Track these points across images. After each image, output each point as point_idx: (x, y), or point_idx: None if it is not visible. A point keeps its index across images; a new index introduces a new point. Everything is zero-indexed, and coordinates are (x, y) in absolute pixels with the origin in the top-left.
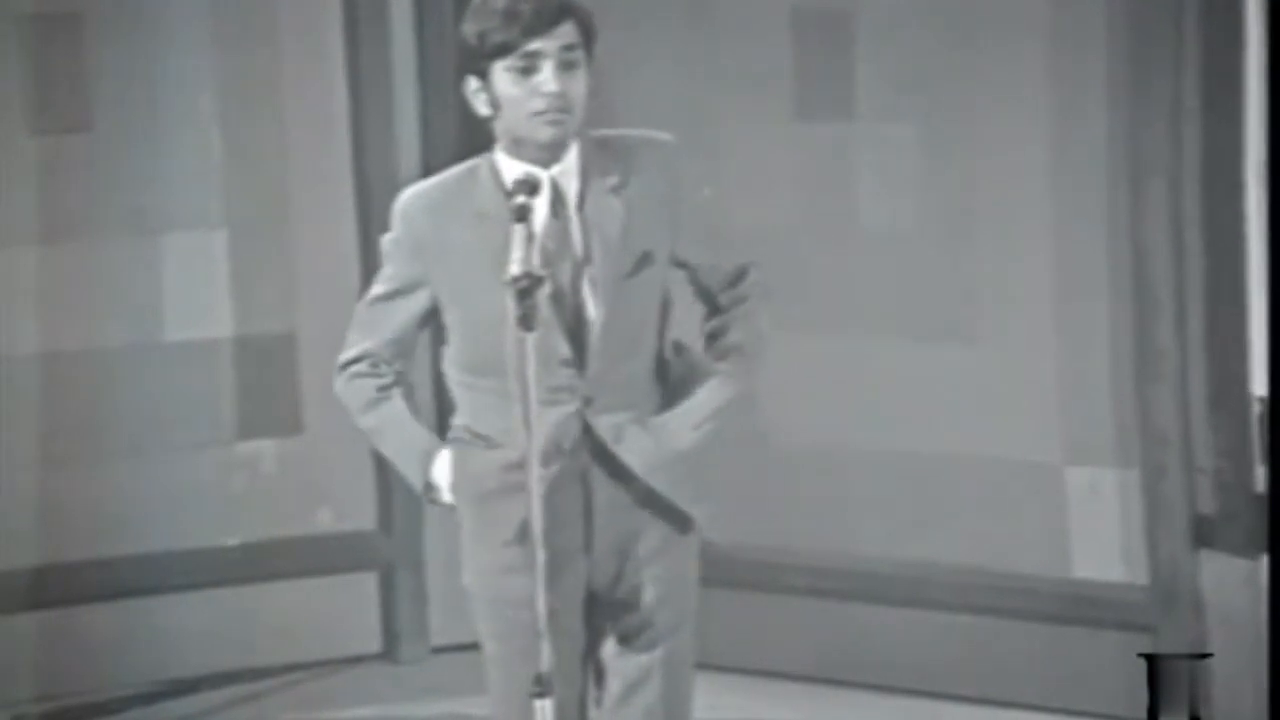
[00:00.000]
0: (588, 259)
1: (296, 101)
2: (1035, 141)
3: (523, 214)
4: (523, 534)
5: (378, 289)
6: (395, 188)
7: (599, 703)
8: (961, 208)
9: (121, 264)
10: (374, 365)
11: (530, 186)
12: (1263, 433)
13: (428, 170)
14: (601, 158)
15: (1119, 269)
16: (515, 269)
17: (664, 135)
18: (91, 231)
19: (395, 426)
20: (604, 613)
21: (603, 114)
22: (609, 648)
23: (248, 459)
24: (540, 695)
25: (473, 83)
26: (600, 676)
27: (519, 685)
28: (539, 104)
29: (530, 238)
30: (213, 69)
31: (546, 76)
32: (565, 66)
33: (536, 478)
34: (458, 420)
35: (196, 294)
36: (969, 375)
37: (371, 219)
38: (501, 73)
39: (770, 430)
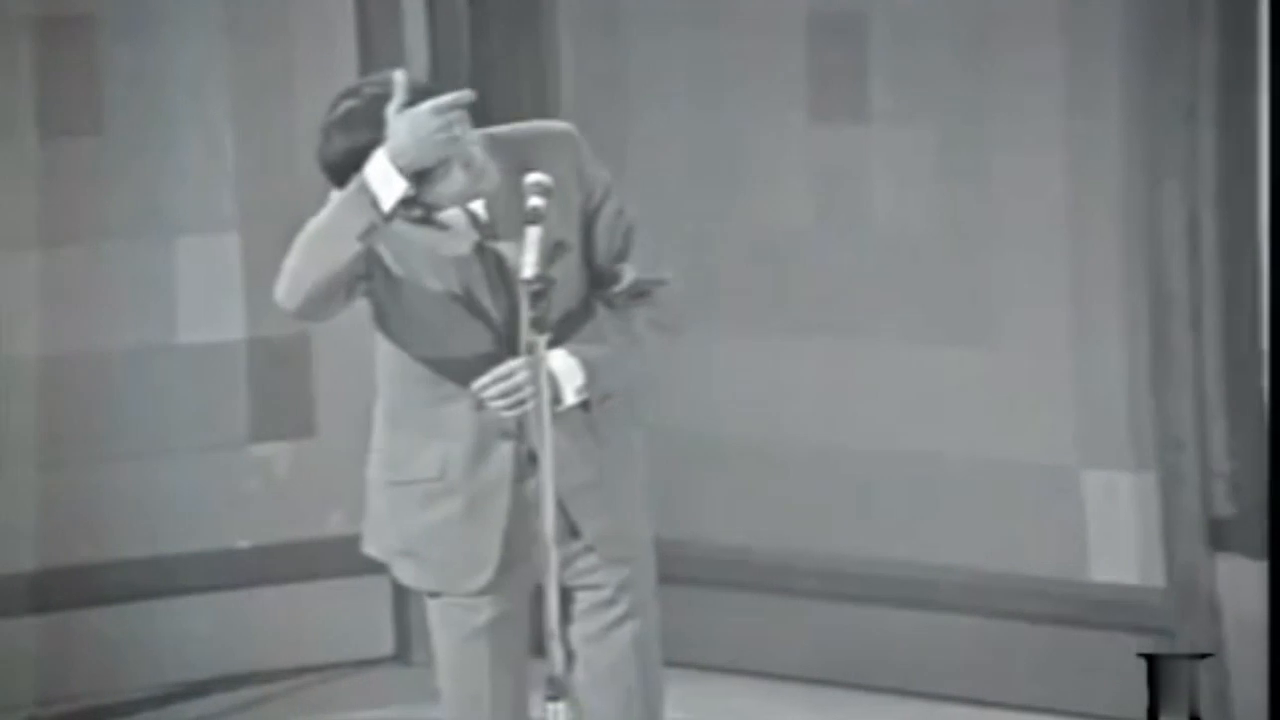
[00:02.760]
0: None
1: (308, 103)
2: (1050, 143)
3: (536, 216)
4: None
5: None
6: None
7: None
8: (976, 210)
9: (134, 267)
10: None
11: (543, 189)
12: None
13: None
14: (503, 155)
15: (1134, 272)
16: (529, 272)
17: (562, 125)
18: (103, 234)
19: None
20: (567, 601)
21: (617, 113)
22: (576, 636)
23: (260, 462)
24: (554, 699)
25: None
26: (571, 664)
27: (470, 691)
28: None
29: (541, 240)
30: (224, 71)
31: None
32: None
33: (547, 482)
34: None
35: (209, 297)
36: (984, 378)
37: None
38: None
39: (787, 431)
